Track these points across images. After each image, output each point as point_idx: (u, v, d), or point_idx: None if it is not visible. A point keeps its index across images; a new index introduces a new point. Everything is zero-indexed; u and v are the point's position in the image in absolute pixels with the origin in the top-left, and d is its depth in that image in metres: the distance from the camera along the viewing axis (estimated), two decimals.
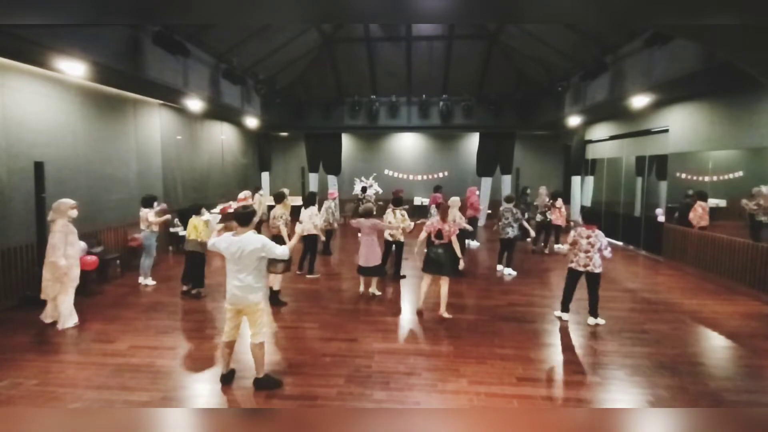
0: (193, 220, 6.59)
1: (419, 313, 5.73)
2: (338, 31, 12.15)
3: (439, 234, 5.58)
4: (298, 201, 13.21)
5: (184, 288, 6.60)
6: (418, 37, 12.32)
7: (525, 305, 6.18)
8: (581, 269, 5.36)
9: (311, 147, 15.09)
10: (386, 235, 7.29)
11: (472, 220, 9.62)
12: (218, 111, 10.86)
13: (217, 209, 11.41)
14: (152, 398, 3.65)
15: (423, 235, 5.75)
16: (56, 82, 6.69)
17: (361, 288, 6.69)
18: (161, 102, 9.29)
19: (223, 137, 12.64)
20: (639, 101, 8.40)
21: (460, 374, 4.08)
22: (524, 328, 5.29)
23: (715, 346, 4.92)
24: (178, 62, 7.81)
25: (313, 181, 15.09)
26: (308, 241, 7.48)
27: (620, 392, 3.84)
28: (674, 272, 8.26)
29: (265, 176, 15.24)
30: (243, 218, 3.71)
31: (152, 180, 9.20)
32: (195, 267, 6.53)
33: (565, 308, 5.62)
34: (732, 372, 4.27)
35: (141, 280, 7.15)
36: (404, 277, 7.52)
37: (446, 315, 5.58)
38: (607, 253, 5.28)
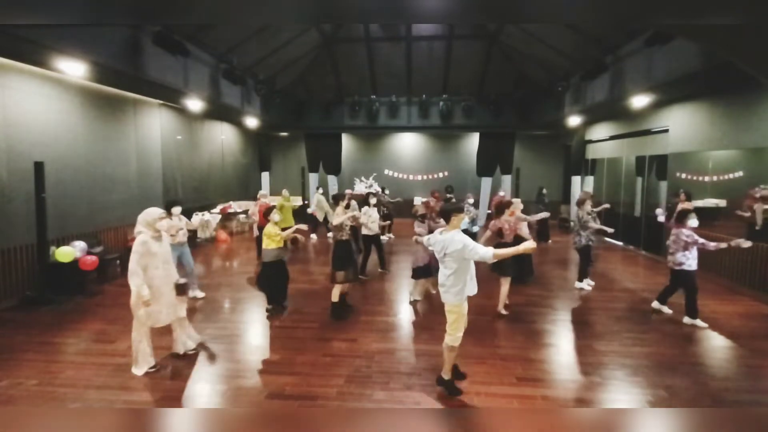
0: (267, 228, 5.63)
1: (499, 315, 5.68)
2: (338, 31, 12.15)
3: (500, 233, 5.70)
4: (297, 201, 13.24)
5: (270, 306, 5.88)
6: (418, 37, 12.32)
7: (525, 305, 6.18)
8: (669, 266, 5.62)
9: (311, 147, 15.09)
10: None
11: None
12: (218, 111, 10.86)
13: (218, 209, 11.47)
14: (152, 398, 3.66)
15: (487, 233, 5.85)
16: (56, 82, 6.69)
17: (418, 297, 6.28)
18: (161, 102, 9.29)
19: (223, 137, 12.65)
20: (639, 101, 8.40)
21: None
22: (524, 328, 5.29)
23: (715, 346, 4.91)
24: (178, 62, 7.82)
25: (313, 181, 15.09)
26: (372, 240, 7.74)
27: (620, 392, 3.84)
28: None
29: (265, 176, 15.23)
30: (445, 215, 3.68)
31: (152, 180, 9.20)
32: (267, 279, 5.74)
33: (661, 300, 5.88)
34: (732, 372, 4.27)
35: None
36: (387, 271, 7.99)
37: (503, 312, 5.71)
38: (703, 246, 5.18)
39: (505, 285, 5.68)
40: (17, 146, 6.07)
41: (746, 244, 5.11)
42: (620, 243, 11.08)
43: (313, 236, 11.59)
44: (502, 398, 3.70)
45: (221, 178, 12.54)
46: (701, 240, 5.24)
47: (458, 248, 3.47)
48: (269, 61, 11.04)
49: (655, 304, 5.92)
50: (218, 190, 12.25)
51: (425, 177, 15.93)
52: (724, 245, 5.12)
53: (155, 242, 4.11)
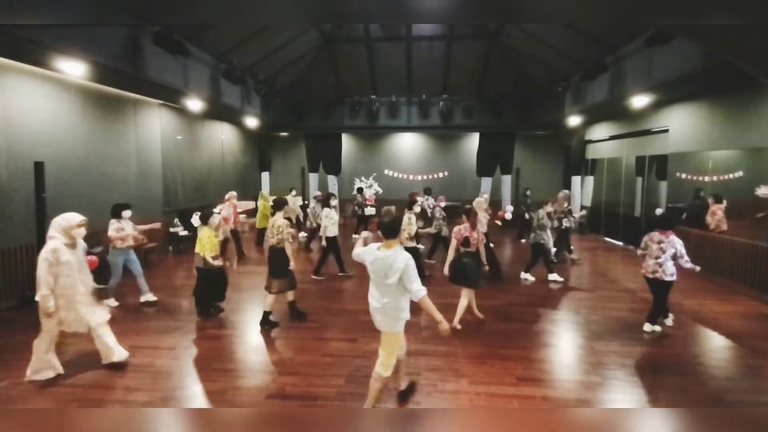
0: (202, 232, 5.49)
1: (454, 329, 5.02)
2: (338, 31, 12.16)
3: (466, 242, 5.21)
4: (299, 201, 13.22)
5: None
6: (418, 37, 12.33)
7: (525, 305, 6.18)
8: (649, 276, 5.08)
9: (311, 147, 15.10)
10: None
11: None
12: (218, 111, 10.86)
13: (218, 209, 11.45)
14: (152, 398, 3.66)
15: (453, 242, 5.30)
16: (56, 82, 6.69)
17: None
18: (161, 102, 9.29)
19: (223, 137, 12.65)
20: (639, 101, 8.40)
21: (460, 374, 4.08)
22: (524, 328, 5.29)
23: (715, 346, 4.92)
24: (178, 62, 7.81)
25: (313, 181, 15.09)
26: (330, 242, 7.73)
27: (620, 392, 3.84)
28: None
29: (265, 176, 15.24)
30: (388, 230, 3.15)
31: (152, 180, 9.20)
32: (198, 285, 5.63)
33: (649, 319, 5.22)
34: (732, 372, 4.27)
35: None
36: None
37: (458, 326, 5.11)
38: (684, 262, 4.88)
39: (466, 298, 5.20)
40: (17, 146, 6.07)
41: (697, 269, 4.96)
42: (620, 243, 11.08)
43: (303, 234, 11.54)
44: (502, 398, 3.70)
45: (221, 178, 12.54)
46: (687, 258, 4.93)
47: (400, 268, 3.01)
48: (269, 61, 11.05)
49: (667, 321, 5.35)
50: (218, 190, 12.23)
51: (425, 177, 15.93)
52: (698, 268, 4.94)
53: (68, 250, 3.80)
